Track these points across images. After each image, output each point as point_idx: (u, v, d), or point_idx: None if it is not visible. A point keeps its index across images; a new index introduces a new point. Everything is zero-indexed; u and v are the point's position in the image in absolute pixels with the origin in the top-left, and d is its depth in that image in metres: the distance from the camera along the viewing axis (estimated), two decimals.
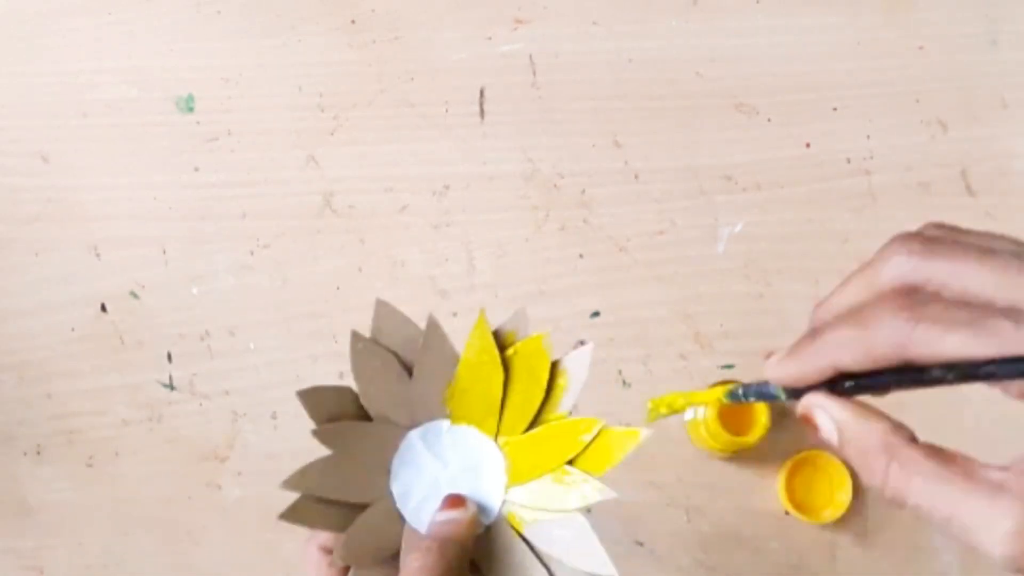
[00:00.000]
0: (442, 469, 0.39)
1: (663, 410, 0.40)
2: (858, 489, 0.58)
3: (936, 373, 0.28)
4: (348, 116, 0.63)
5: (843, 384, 0.31)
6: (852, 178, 0.62)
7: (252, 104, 0.63)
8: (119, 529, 0.60)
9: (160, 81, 0.63)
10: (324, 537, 0.38)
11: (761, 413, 0.56)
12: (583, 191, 0.62)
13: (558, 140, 0.62)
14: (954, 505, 0.28)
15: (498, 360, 0.39)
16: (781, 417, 0.59)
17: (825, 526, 0.58)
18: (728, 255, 0.61)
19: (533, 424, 0.39)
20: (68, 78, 0.63)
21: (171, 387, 0.61)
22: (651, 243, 0.61)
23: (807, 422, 0.32)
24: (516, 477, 0.39)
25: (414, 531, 0.38)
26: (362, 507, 0.38)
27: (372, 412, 0.39)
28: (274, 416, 0.61)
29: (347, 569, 0.37)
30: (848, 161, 0.62)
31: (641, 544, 0.59)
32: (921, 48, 0.63)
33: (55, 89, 0.63)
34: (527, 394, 0.39)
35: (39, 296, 0.62)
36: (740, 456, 0.59)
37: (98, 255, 0.62)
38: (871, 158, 0.62)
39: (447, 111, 0.63)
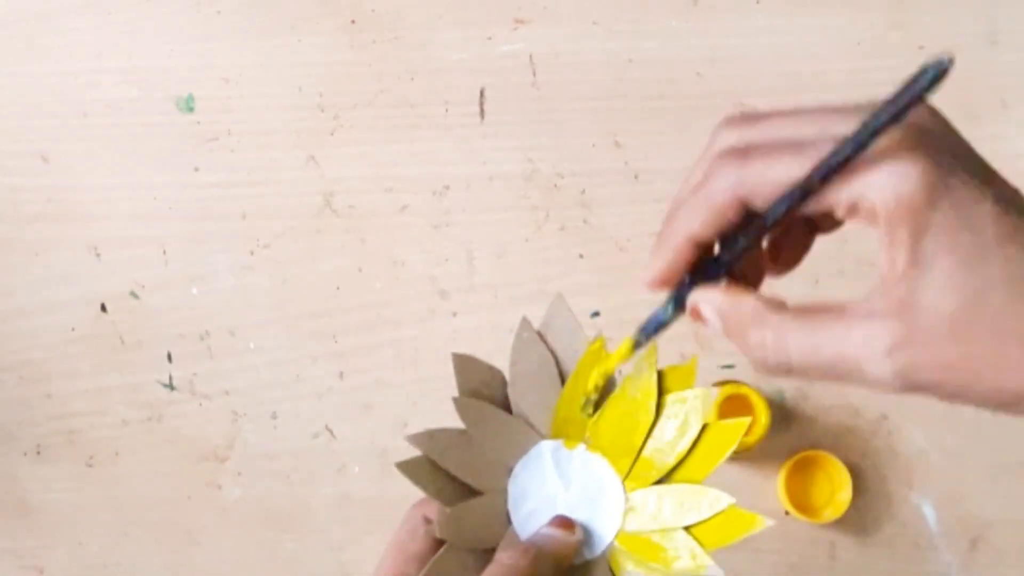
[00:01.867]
0: (563, 489, 0.39)
1: (592, 395, 0.39)
2: (858, 489, 0.58)
3: (774, 210, 0.29)
4: (348, 116, 0.63)
5: (712, 269, 0.31)
6: None
7: (252, 104, 0.63)
8: (119, 529, 0.60)
9: (160, 81, 0.63)
10: (432, 507, 0.37)
11: (761, 413, 0.56)
12: (583, 191, 0.62)
13: (558, 140, 0.62)
14: (833, 346, 0.28)
15: (652, 405, 0.38)
16: (781, 417, 0.59)
17: (825, 526, 0.58)
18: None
19: (665, 478, 0.38)
20: (68, 78, 0.63)
21: (171, 387, 0.61)
22: (651, 243, 0.61)
23: (697, 318, 0.32)
24: (632, 523, 0.38)
25: (516, 533, 0.38)
26: (474, 492, 0.38)
27: (514, 407, 0.38)
28: (274, 416, 0.61)
29: (439, 545, 0.36)
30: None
31: None
32: (921, 48, 0.63)
33: (55, 89, 0.63)
34: (666, 450, 0.38)
35: (39, 296, 0.62)
36: (740, 456, 0.59)
37: (98, 255, 0.62)
38: None
39: (447, 111, 0.63)
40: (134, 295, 0.62)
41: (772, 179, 0.28)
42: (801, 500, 0.58)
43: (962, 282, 0.26)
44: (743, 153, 0.29)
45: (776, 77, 0.62)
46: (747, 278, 0.33)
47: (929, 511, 0.59)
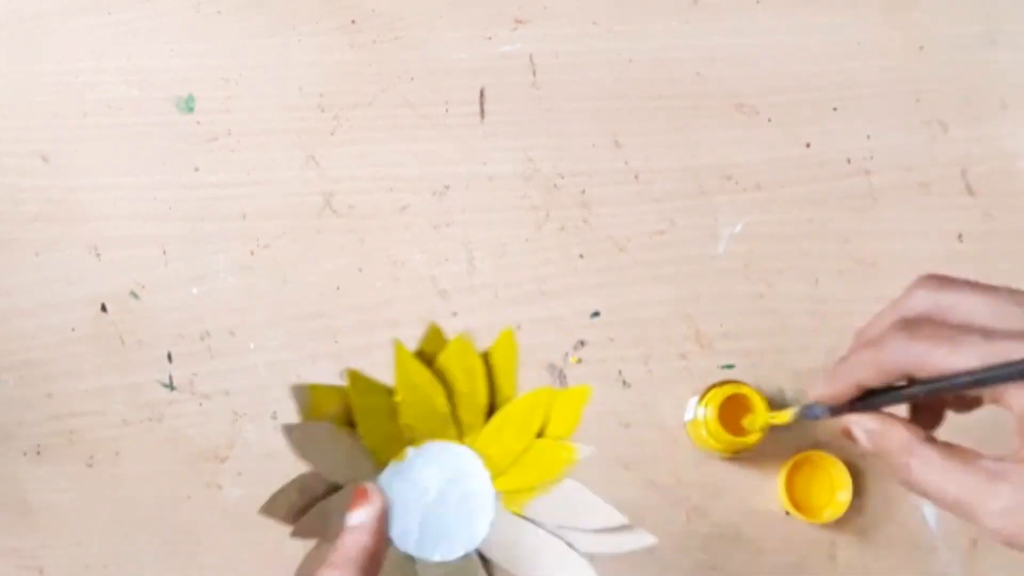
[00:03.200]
0: (425, 495, 0.39)
1: (760, 425, 0.51)
2: (858, 489, 0.58)
3: (919, 387, 0.36)
4: (348, 116, 0.63)
5: (871, 401, 0.38)
6: (852, 178, 0.62)
7: (252, 104, 0.63)
8: (119, 529, 0.60)
9: (160, 81, 0.63)
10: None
11: (761, 413, 0.56)
12: (583, 191, 0.62)
13: (558, 140, 0.62)
14: (960, 490, 0.34)
15: (431, 376, 0.39)
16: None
17: (825, 526, 0.58)
18: (728, 255, 0.61)
19: (490, 416, 0.40)
20: (68, 78, 0.63)
21: (171, 387, 0.61)
22: (651, 243, 0.61)
23: (848, 436, 0.39)
24: (496, 467, 0.39)
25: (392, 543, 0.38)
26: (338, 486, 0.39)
27: (339, 481, 0.39)
28: (274, 416, 0.61)
29: None
30: (848, 161, 0.62)
31: None
32: (921, 48, 0.63)
33: (55, 89, 0.63)
34: (472, 394, 0.39)
35: (39, 296, 0.62)
36: (740, 456, 0.59)
37: (98, 255, 0.62)
38: (871, 158, 0.62)
39: (447, 111, 0.63)
40: (134, 295, 0.62)
41: (931, 364, 0.34)
42: (801, 500, 0.58)
43: None
44: (913, 330, 0.35)
45: (776, 77, 0.63)
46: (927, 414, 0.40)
47: (929, 511, 0.59)
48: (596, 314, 0.61)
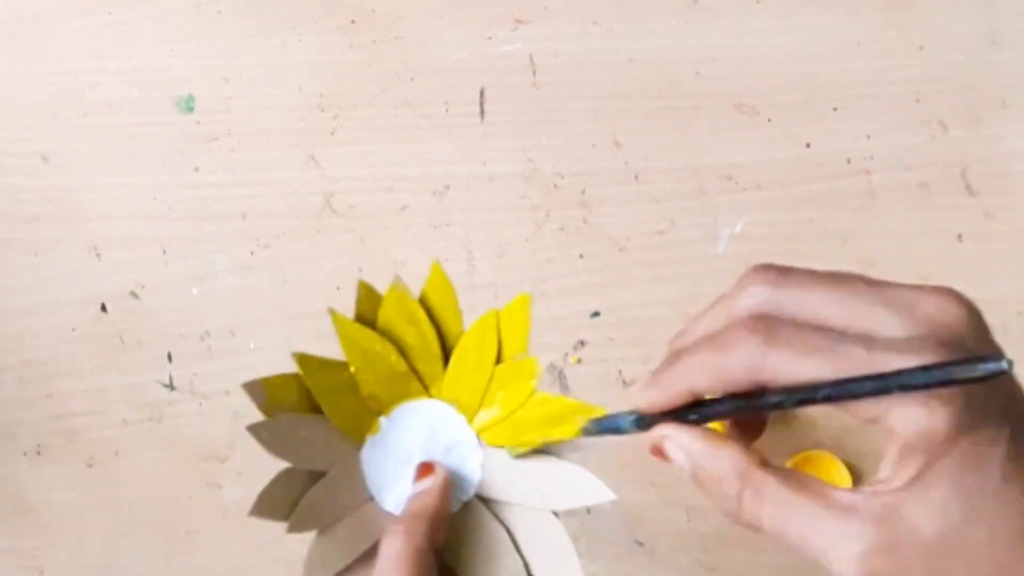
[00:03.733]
0: (408, 458, 0.39)
1: (523, 448, 0.39)
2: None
3: (775, 398, 0.28)
4: (348, 116, 0.63)
5: (689, 415, 0.31)
6: (852, 178, 0.62)
7: (252, 104, 0.63)
8: (119, 529, 0.60)
9: (160, 81, 0.63)
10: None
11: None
12: (583, 191, 0.62)
13: (558, 140, 0.62)
14: (807, 528, 0.28)
15: (377, 336, 0.39)
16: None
17: None
18: (728, 255, 0.61)
19: (447, 361, 0.39)
20: (68, 78, 0.63)
21: (171, 387, 0.61)
22: (651, 243, 0.61)
23: (657, 454, 0.32)
24: (469, 408, 0.39)
25: (388, 516, 0.38)
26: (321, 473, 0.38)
27: (320, 468, 0.39)
28: None
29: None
30: (848, 161, 0.62)
31: (641, 544, 0.59)
32: (921, 48, 0.63)
33: (55, 89, 0.63)
34: (422, 342, 0.39)
35: (39, 296, 0.62)
36: None
37: (98, 255, 0.62)
38: (871, 158, 0.62)
39: (447, 111, 0.63)
40: (134, 295, 0.62)
41: (793, 374, 0.28)
42: None
43: (953, 511, 0.26)
44: (769, 334, 0.28)
45: (776, 77, 0.62)
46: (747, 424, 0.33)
47: None
48: (596, 314, 0.61)
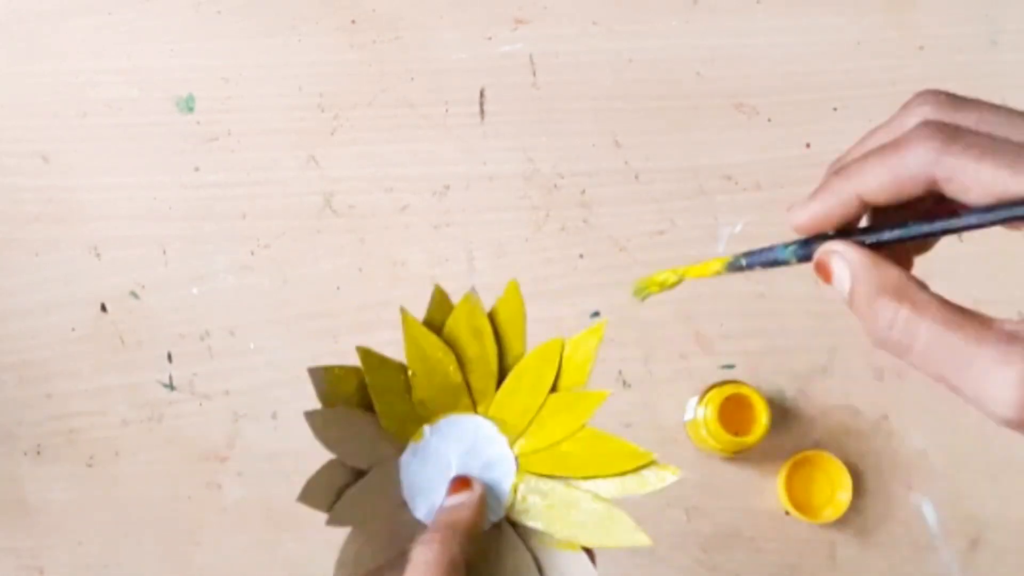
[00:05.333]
0: (448, 470, 0.39)
1: (654, 289, 0.36)
2: (858, 489, 0.58)
3: (965, 217, 0.27)
4: (348, 116, 0.63)
5: (860, 238, 0.29)
6: None
7: (252, 104, 0.63)
8: (119, 529, 0.60)
9: (160, 81, 0.63)
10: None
11: (761, 413, 0.56)
12: (583, 191, 0.62)
13: (558, 140, 0.62)
14: (964, 350, 0.26)
15: (441, 344, 0.39)
16: (781, 417, 0.59)
17: (825, 526, 0.58)
18: (728, 255, 0.61)
19: (501, 379, 0.39)
20: (68, 78, 0.63)
21: (171, 387, 0.61)
22: (651, 243, 0.61)
23: (821, 271, 0.30)
24: (513, 430, 0.39)
25: (420, 523, 0.38)
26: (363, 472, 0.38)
27: (361, 466, 0.39)
28: (274, 416, 0.61)
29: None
30: None
31: None
32: (921, 48, 0.63)
33: (55, 89, 0.63)
34: (483, 358, 0.39)
35: (39, 296, 0.62)
36: (740, 456, 0.59)
37: (98, 255, 0.62)
38: None
39: (447, 111, 0.63)
40: (134, 295, 0.62)
41: (974, 176, 0.26)
42: (801, 500, 0.58)
43: None
44: (952, 134, 0.26)
45: (776, 77, 0.62)
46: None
47: (929, 511, 0.59)
48: (596, 314, 0.61)
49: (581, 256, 0.61)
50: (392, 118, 0.63)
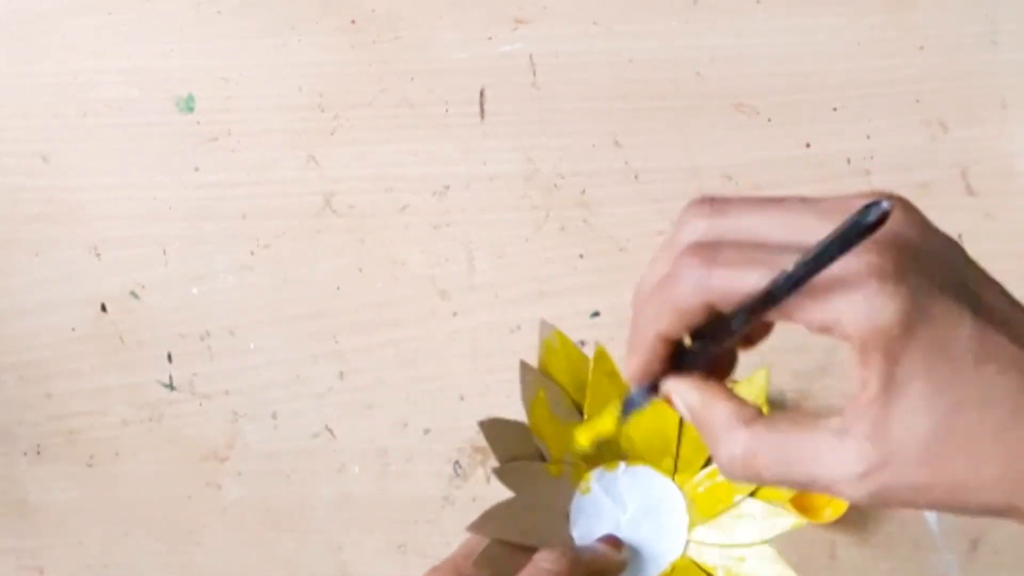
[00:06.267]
0: (621, 513, 0.38)
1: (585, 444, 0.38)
2: None
3: (737, 320, 0.28)
4: (348, 116, 0.63)
5: (687, 358, 0.31)
6: (852, 178, 0.62)
7: (252, 104, 0.63)
8: (119, 529, 0.60)
9: (160, 81, 0.63)
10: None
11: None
12: (583, 191, 0.62)
13: (558, 140, 0.62)
14: (804, 466, 0.28)
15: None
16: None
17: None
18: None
19: (710, 461, 0.39)
20: (68, 78, 0.63)
21: (171, 387, 0.61)
22: (651, 243, 0.61)
23: (671, 406, 0.32)
24: (698, 515, 0.38)
25: (568, 538, 0.38)
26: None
27: (545, 451, 0.38)
28: (274, 416, 0.61)
29: None
30: (848, 161, 0.62)
31: None
32: (921, 48, 0.63)
33: (55, 89, 0.63)
34: (697, 438, 0.39)
35: (39, 296, 0.62)
36: None
37: (98, 255, 0.62)
38: (871, 158, 0.62)
39: (447, 111, 0.63)
40: (134, 295, 0.62)
41: (737, 289, 0.28)
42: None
43: (935, 405, 0.26)
44: (709, 256, 0.28)
45: (776, 77, 0.62)
46: (721, 361, 0.33)
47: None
48: (596, 314, 0.61)
49: (581, 256, 0.61)
50: (392, 118, 0.63)
